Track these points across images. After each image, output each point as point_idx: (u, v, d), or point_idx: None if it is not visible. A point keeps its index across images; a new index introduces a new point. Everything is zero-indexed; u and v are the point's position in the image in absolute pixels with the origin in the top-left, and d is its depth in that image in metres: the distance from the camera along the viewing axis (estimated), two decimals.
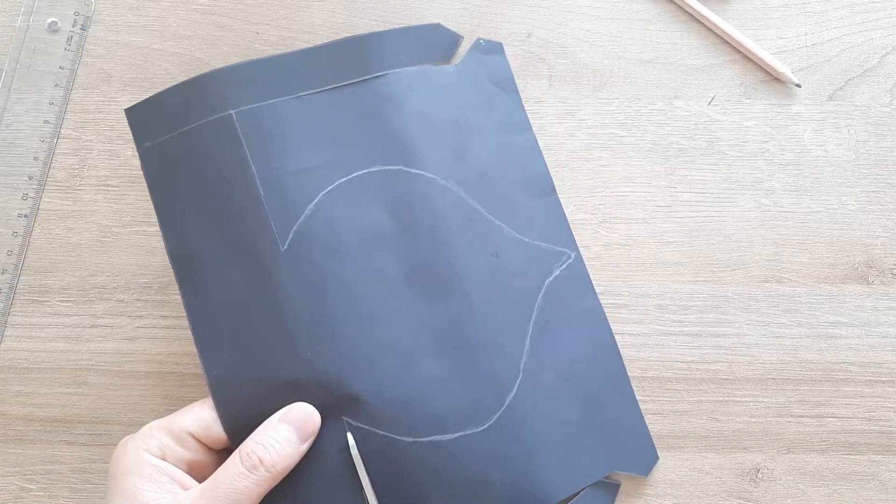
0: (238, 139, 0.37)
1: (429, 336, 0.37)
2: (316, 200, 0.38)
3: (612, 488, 0.38)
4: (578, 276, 0.41)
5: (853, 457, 0.40)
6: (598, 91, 0.44)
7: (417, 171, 0.39)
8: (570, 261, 0.41)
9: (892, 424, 0.40)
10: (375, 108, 0.40)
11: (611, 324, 0.40)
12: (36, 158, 0.42)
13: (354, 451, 0.35)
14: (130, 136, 0.43)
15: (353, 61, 0.40)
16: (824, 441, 0.40)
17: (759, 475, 0.39)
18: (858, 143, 0.43)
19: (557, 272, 0.40)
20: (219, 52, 0.44)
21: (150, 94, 0.38)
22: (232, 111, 0.38)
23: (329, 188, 0.38)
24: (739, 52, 0.44)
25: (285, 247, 0.37)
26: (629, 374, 0.40)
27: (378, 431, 0.36)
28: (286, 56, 0.40)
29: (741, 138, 0.43)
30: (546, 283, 0.40)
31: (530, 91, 0.43)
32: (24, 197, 0.42)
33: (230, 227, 0.37)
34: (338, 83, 0.40)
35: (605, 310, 0.40)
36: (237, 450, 0.33)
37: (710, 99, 0.43)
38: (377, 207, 0.38)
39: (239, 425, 0.35)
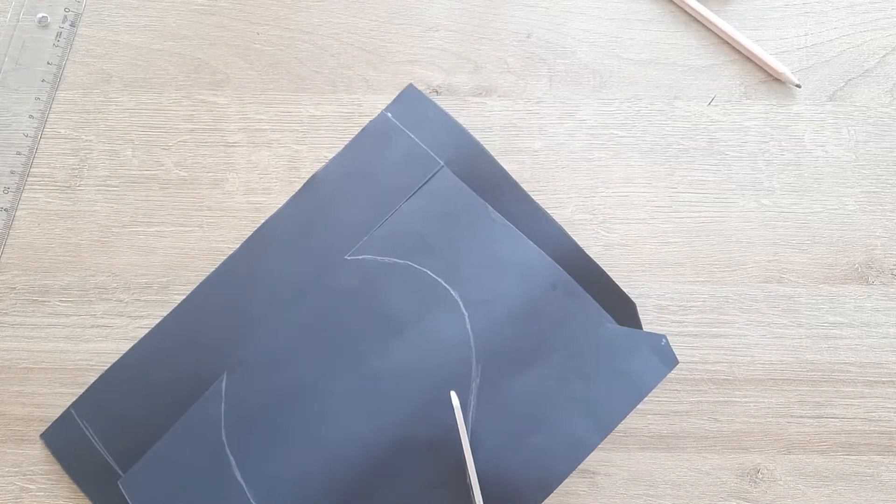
0: None
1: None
2: None
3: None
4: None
5: (853, 457, 0.40)
6: (598, 91, 0.44)
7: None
8: None
9: (892, 425, 0.40)
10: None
11: None
12: (19, 153, 0.42)
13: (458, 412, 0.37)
14: (130, 136, 0.43)
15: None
16: (824, 441, 0.40)
17: (759, 475, 0.39)
18: (858, 143, 0.43)
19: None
20: (219, 52, 0.44)
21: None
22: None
23: None
24: (739, 52, 0.44)
25: None
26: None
27: None
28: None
29: (741, 138, 0.43)
30: None
31: (530, 91, 0.43)
32: (6, 191, 0.41)
33: None
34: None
35: None
36: None
37: (710, 99, 0.43)
38: None
39: None
